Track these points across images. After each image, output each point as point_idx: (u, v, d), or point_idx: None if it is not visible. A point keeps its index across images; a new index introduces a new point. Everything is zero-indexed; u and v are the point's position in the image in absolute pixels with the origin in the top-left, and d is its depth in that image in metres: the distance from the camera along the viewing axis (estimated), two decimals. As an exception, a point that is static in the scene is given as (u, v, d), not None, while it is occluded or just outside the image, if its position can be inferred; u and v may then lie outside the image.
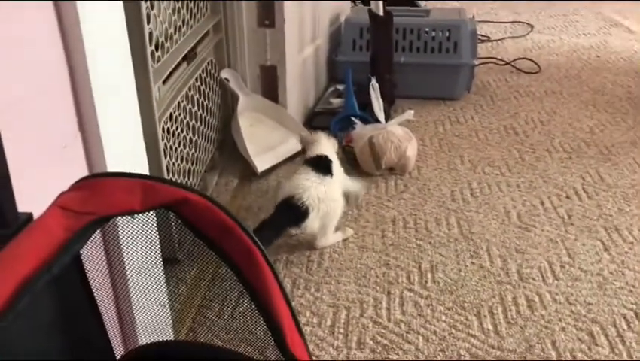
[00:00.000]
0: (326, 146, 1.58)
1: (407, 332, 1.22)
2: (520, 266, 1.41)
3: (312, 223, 1.42)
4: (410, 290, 1.34)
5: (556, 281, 1.36)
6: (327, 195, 1.43)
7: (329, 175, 1.48)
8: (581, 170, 1.88)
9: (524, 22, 3.67)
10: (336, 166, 1.54)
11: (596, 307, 1.28)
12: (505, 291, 1.33)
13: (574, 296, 1.31)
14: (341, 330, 1.23)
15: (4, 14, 0.65)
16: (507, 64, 2.92)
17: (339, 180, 1.54)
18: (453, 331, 1.22)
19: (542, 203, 1.69)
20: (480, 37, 3.25)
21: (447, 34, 2.39)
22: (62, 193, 0.58)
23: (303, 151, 1.62)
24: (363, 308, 1.29)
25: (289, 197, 1.41)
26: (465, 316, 1.26)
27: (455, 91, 2.46)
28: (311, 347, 1.18)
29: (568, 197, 1.72)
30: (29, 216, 0.61)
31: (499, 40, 3.35)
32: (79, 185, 0.59)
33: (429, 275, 1.39)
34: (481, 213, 1.64)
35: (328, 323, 1.25)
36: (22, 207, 0.61)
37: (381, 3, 2.16)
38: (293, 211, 1.39)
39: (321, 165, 1.49)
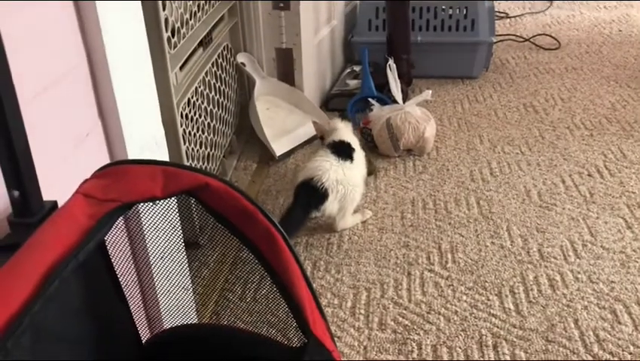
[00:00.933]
0: (345, 131, 1.56)
1: (428, 313, 1.22)
2: (541, 245, 1.41)
3: (330, 206, 1.42)
4: (430, 271, 1.34)
5: (577, 260, 1.35)
6: (345, 178, 1.43)
7: (349, 160, 1.47)
8: (603, 147, 1.86)
9: (543, -3, 3.60)
10: (358, 153, 1.53)
11: (619, 286, 1.27)
12: (526, 270, 1.33)
13: (597, 275, 1.30)
14: (362, 311, 1.24)
15: (22, 4, 0.66)
16: (525, 40, 2.87)
17: (360, 167, 1.53)
18: (474, 311, 1.22)
19: (563, 181, 1.67)
20: (497, 13, 3.20)
21: (464, 11, 2.36)
22: (85, 181, 0.59)
23: (321, 139, 1.61)
24: (383, 289, 1.29)
25: (308, 179, 1.41)
26: (486, 296, 1.26)
27: (473, 69, 2.43)
28: (332, 328, 1.19)
29: (589, 175, 1.70)
30: (54, 204, 0.62)
31: (518, 16, 3.29)
32: (101, 172, 0.60)
33: (449, 256, 1.39)
34: (501, 193, 1.63)
35: (349, 304, 1.26)
36: (46, 195, 0.62)
37: (396, -18, 2.13)
38: (312, 193, 1.39)
39: (343, 150, 1.48)
